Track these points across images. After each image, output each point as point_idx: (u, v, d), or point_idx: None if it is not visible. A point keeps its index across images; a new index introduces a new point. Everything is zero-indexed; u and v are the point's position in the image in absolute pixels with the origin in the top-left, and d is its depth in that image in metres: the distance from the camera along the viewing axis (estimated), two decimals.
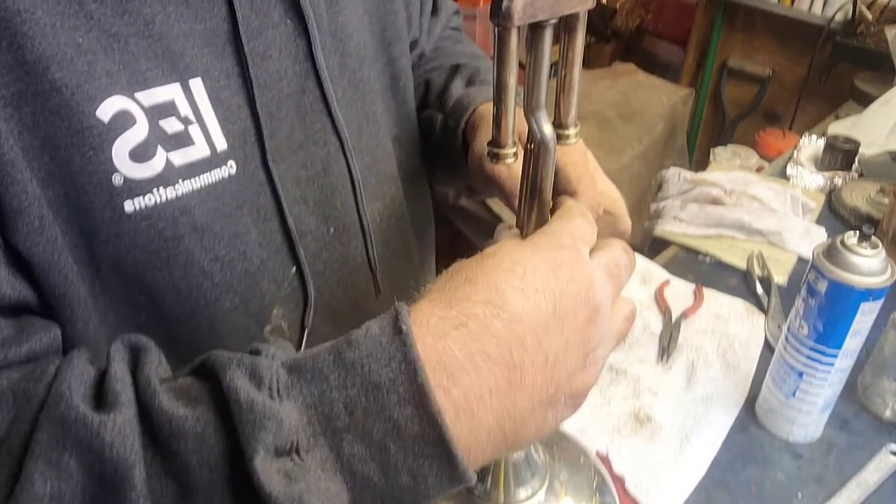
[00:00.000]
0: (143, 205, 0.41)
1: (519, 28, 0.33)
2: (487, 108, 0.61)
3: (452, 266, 0.36)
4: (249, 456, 0.29)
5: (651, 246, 1.05)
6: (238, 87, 0.46)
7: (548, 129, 0.37)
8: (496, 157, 0.38)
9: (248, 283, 0.49)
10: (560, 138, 0.39)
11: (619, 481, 0.63)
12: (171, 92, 0.42)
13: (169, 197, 0.42)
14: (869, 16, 2.23)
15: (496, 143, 0.38)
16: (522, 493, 0.49)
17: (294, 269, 0.53)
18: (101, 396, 0.31)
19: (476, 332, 0.32)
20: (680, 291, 0.90)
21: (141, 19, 0.41)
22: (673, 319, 0.84)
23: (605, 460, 0.65)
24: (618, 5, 3.02)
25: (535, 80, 0.36)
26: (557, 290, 0.34)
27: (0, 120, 0.36)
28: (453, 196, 1.98)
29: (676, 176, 1.14)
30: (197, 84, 0.44)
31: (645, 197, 2.15)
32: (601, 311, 0.36)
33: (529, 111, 0.37)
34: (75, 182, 0.38)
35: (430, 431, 0.30)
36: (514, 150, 0.39)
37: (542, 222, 0.41)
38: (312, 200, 0.54)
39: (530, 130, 0.38)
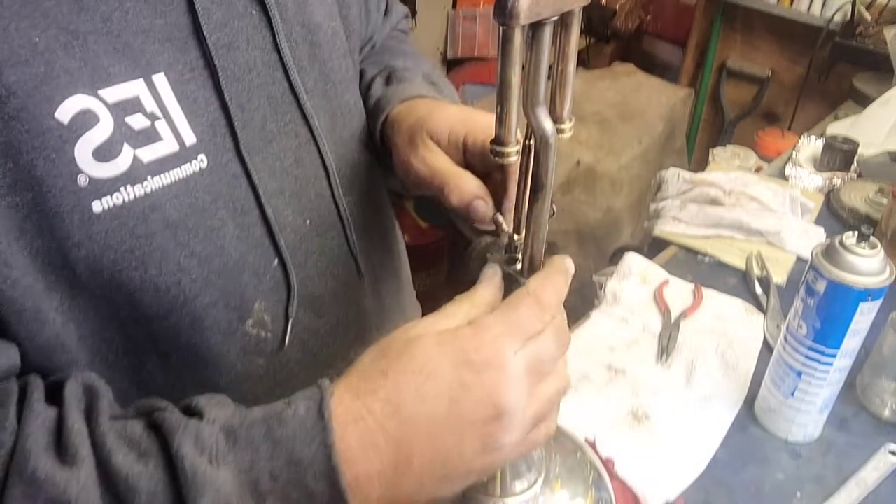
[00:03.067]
0: (111, 204, 0.41)
1: (523, 27, 0.33)
2: (404, 107, 0.61)
3: (381, 342, 0.41)
4: None
5: (650, 246, 1.05)
6: (204, 80, 0.46)
7: (548, 125, 0.38)
8: (500, 155, 0.39)
9: (228, 278, 0.48)
10: (556, 132, 0.39)
11: (608, 464, 0.64)
12: (135, 88, 0.42)
13: (137, 194, 0.42)
14: (868, 16, 2.23)
15: (499, 141, 0.38)
16: (518, 485, 0.49)
17: (276, 261, 0.53)
18: (61, 446, 0.36)
19: (371, 427, 0.38)
20: (679, 291, 0.90)
21: (98, 16, 0.40)
22: (672, 319, 0.84)
23: (592, 445, 0.66)
24: (617, 6, 3.02)
25: (536, 77, 0.36)
26: (456, 395, 0.38)
27: None
28: None
29: (676, 176, 1.14)
30: (160, 79, 0.43)
31: (644, 197, 2.15)
32: (508, 411, 0.39)
33: (529, 107, 0.37)
34: (41, 186, 0.38)
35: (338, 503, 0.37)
36: (517, 147, 0.39)
37: (542, 217, 0.41)
38: (288, 192, 0.53)
39: (531, 126, 0.38)
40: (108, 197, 0.40)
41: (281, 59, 0.51)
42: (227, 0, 0.48)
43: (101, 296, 0.43)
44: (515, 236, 0.45)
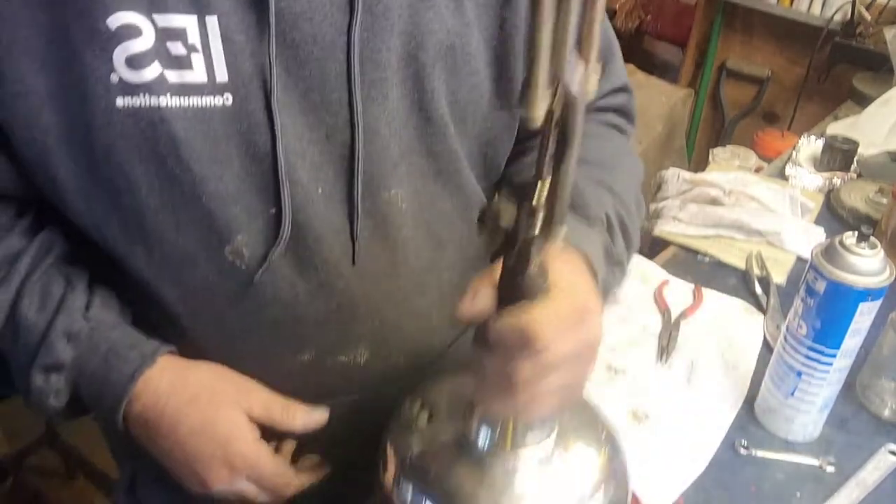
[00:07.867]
0: (130, 103, 0.47)
1: None
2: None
3: None
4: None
5: (650, 246, 1.05)
6: (255, 34, 0.49)
7: (575, 81, 0.36)
8: (526, 119, 0.37)
9: (218, 203, 0.52)
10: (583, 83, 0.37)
11: None
12: (185, 21, 0.47)
13: (152, 104, 0.48)
14: (868, 16, 2.23)
15: (526, 102, 0.36)
16: (531, 437, 0.48)
17: (273, 210, 0.53)
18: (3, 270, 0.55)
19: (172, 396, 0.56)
20: (679, 291, 0.90)
21: None
22: (672, 319, 0.84)
23: None
24: (617, 6, 3.02)
25: (562, 33, 0.35)
26: (196, 422, 0.55)
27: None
28: None
29: (675, 176, 1.14)
30: (213, 21, 0.47)
31: (644, 197, 2.15)
32: (237, 440, 0.56)
33: (557, 63, 0.35)
34: (83, 72, 0.46)
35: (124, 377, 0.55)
36: (546, 105, 0.37)
37: (568, 172, 0.38)
38: (310, 161, 0.54)
39: (558, 82, 0.36)
40: (130, 97, 0.47)
41: (348, 44, 0.51)
42: None
43: (110, 178, 0.50)
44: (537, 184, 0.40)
